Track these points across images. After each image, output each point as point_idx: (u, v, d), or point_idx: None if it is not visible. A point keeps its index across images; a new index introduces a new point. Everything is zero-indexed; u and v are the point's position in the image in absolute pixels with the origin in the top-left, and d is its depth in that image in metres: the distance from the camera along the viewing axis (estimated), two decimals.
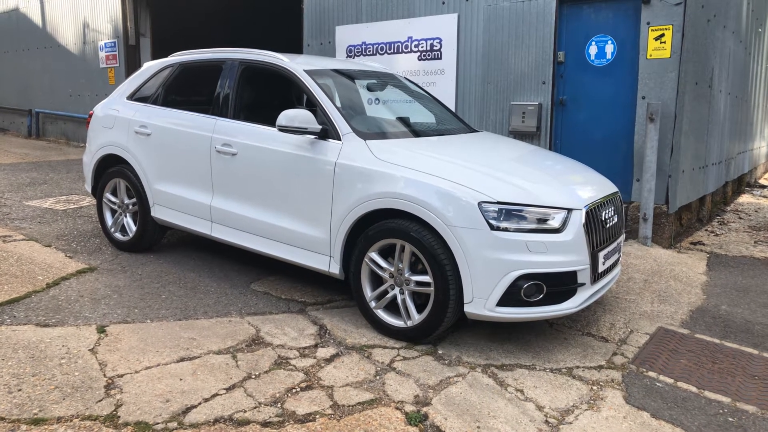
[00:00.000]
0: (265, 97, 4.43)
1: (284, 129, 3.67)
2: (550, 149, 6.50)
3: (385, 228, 3.44)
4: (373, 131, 3.91)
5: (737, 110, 9.32)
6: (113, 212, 5.04)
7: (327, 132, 3.74)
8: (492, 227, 3.14)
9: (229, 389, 2.85)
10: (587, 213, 3.33)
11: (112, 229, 5.02)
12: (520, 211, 3.20)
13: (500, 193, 3.21)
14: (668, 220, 5.97)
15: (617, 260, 3.82)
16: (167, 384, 2.85)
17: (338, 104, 4.08)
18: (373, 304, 3.58)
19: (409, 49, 7.46)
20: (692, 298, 4.47)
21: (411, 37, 7.44)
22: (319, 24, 8.35)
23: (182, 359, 3.12)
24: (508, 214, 3.18)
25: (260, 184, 3.99)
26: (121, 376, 2.92)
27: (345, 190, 3.57)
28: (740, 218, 8.22)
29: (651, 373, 3.22)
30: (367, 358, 3.26)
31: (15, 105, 14.47)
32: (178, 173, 4.47)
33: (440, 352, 3.38)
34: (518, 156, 4.00)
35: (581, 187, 3.57)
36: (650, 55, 5.86)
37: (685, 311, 4.18)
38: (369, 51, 7.83)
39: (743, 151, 10.48)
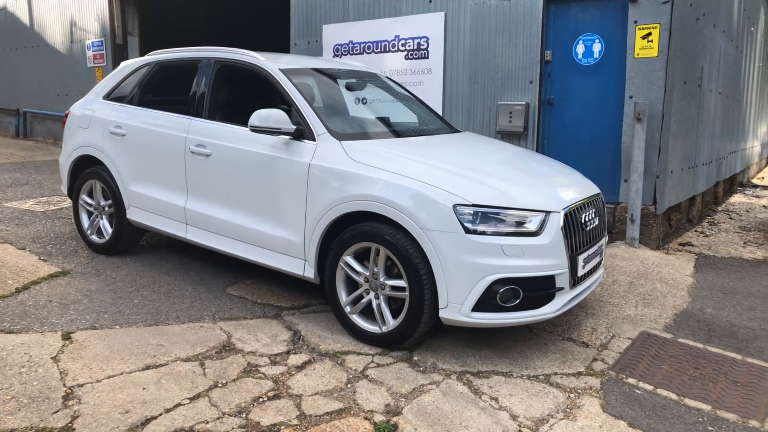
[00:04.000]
0: (241, 97, 4.34)
1: (257, 129, 3.58)
2: (537, 149, 6.42)
3: (359, 231, 3.35)
4: (349, 132, 3.82)
5: (729, 109, 9.25)
6: (89, 214, 4.94)
7: (301, 132, 3.65)
8: (467, 230, 3.05)
9: (193, 399, 2.76)
10: (566, 215, 3.25)
11: (89, 232, 4.92)
12: (497, 214, 3.11)
13: (476, 196, 3.12)
14: (656, 221, 5.89)
15: (599, 263, 3.74)
16: (129, 394, 2.76)
17: (320, 104, 4.00)
18: (348, 309, 3.49)
19: (396, 48, 7.37)
20: (677, 301, 4.39)
21: (398, 36, 7.35)
22: (306, 23, 8.26)
23: (148, 367, 3.03)
24: (484, 216, 3.10)
25: (234, 186, 3.89)
26: (82, 385, 2.82)
27: (319, 193, 3.48)
28: (731, 218, 8.16)
29: (631, 380, 3.14)
30: (340, 365, 3.18)
31: (2, 105, 14.34)
32: (152, 175, 4.37)
33: (416, 358, 3.29)
34: (498, 157, 3.91)
35: (561, 189, 3.48)
36: (637, 54, 5.78)
37: (670, 315, 4.10)
38: (356, 50, 7.73)
39: (735, 150, 10.42)
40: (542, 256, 3.12)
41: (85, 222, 4.94)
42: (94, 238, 4.89)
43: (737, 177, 11.21)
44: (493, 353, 3.38)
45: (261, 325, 3.64)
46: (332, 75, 4.51)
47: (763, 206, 9.35)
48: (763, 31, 12.74)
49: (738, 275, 5.14)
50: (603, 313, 4.03)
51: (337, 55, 7.93)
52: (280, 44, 8.75)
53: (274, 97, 3.93)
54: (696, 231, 7.15)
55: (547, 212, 3.18)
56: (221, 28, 13.94)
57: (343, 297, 3.50)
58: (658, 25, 5.65)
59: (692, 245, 6.30)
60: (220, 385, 2.89)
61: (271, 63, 3.96)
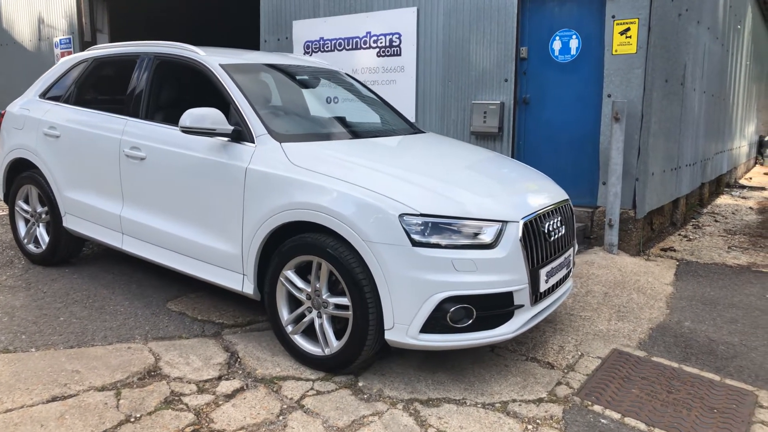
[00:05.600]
0: (181, 95, 4.01)
1: (189, 130, 3.25)
2: (512, 151, 6.13)
3: (300, 243, 3.03)
4: (294, 133, 3.50)
5: (714, 109, 9.00)
6: (26, 222, 4.60)
7: (240, 134, 3.32)
8: (414, 243, 2.74)
9: None
10: (526, 225, 2.94)
11: (25, 241, 4.57)
12: (448, 224, 2.80)
13: (424, 204, 2.81)
14: (636, 226, 5.61)
15: (567, 275, 3.44)
16: None
17: (266, 103, 3.67)
18: (289, 328, 3.17)
19: (367, 45, 7.05)
20: (654, 313, 4.10)
21: (370, 32, 7.03)
22: (276, 19, 7.92)
23: (54, 399, 2.70)
24: (434, 227, 2.79)
25: (170, 193, 3.56)
26: None
27: (256, 200, 3.15)
28: (716, 221, 7.90)
29: (596, 407, 2.83)
30: (275, 393, 2.86)
31: None
32: (88, 180, 4.03)
33: (361, 384, 2.97)
34: (457, 160, 3.60)
35: (522, 196, 3.17)
36: (616, 51, 5.49)
37: (645, 329, 3.81)
38: (327, 47, 7.41)
39: (721, 150, 10.17)
40: (498, 270, 2.81)
41: (22, 230, 4.60)
42: (31, 247, 4.55)
43: (724, 178, 10.97)
44: (448, 377, 3.07)
45: (196, 346, 3.32)
46: (286, 72, 4.18)
47: (750, 208, 9.11)
48: (751, 28, 12.51)
49: (720, 283, 4.86)
50: (573, 329, 3.73)
51: (308, 53, 7.60)
52: (258, 39, 8.38)
53: (216, 95, 3.60)
54: (680, 235, 6.87)
55: (504, 222, 2.88)
56: (199, 24, 13.56)
57: (285, 315, 3.18)
58: (636, 21, 5.36)
59: (675, 250, 6.02)
60: (132, 419, 2.57)
61: (211, 58, 3.64)
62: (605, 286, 4.56)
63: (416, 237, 2.75)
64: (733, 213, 8.59)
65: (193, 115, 3.23)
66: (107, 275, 4.39)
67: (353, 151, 3.36)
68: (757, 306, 4.32)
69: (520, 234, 2.88)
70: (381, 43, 6.93)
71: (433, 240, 2.76)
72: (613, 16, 5.46)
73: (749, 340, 3.69)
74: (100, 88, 4.28)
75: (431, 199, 2.85)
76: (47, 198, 4.30)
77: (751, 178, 13.68)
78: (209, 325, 3.62)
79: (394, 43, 6.83)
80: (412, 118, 6.75)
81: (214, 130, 3.24)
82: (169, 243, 3.61)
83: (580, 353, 3.41)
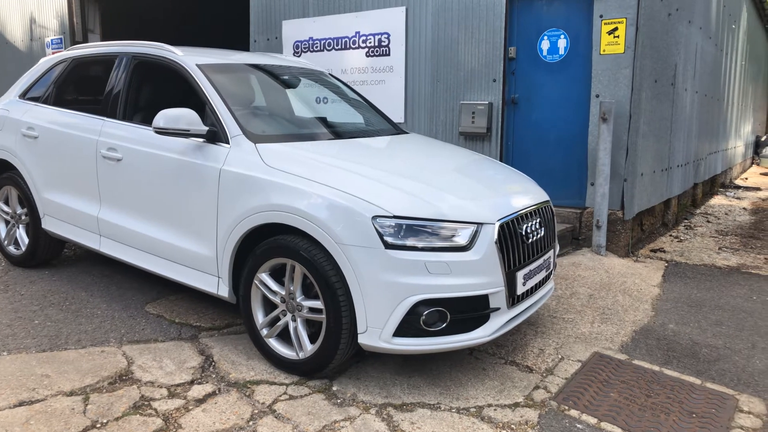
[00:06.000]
0: (159, 96, 3.96)
1: (163, 131, 3.21)
2: (501, 151, 6.09)
3: (274, 246, 2.99)
4: (270, 133, 3.45)
5: (707, 109, 8.95)
6: (6, 223, 4.56)
7: (215, 134, 3.28)
8: (387, 245, 2.70)
9: None
10: (502, 227, 2.90)
11: (5, 242, 4.53)
12: (421, 226, 2.76)
13: (398, 206, 2.77)
14: (624, 227, 5.57)
15: (547, 277, 3.40)
16: None
17: (246, 103, 3.64)
18: (264, 332, 3.13)
19: (356, 45, 7.01)
20: (639, 315, 4.06)
21: (359, 32, 6.99)
22: (265, 19, 7.88)
23: (21, 403, 2.66)
24: (408, 229, 2.75)
25: (146, 194, 3.52)
26: None
27: (230, 202, 3.11)
28: (709, 222, 7.86)
29: (573, 412, 2.79)
30: (247, 398, 2.82)
31: None
32: (66, 181, 3.99)
33: (335, 388, 2.93)
34: (436, 161, 3.56)
35: (500, 197, 3.13)
36: (603, 51, 5.46)
37: (628, 332, 3.77)
38: (316, 47, 7.37)
39: (715, 151, 10.13)
40: (473, 273, 2.77)
41: (2, 232, 4.56)
42: (11, 249, 4.51)
43: (718, 178, 10.93)
44: (424, 381, 3.03)
45: (171, 349, 3.28)
46: (268, 72, 4.13)
47: (744, 208, 9.07)
48: (746, 28, 12.47)
49: (707, 285, 4.82)
50: (554, 332, 3.69)
51: (297, 53, 7.56)
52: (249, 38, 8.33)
53: (194, 95, 3.56)
54: (671, 236, 6.84)
55: (479, 224, 2.84)
56: (194, 24, 13.51)
57: (260, 318, 3.14)
58: (624, 20, 5.32)
59: (664, 251, 5.98)
60: (98, 425, 2.53)
61: (188, 58, 3.59)
62: (591, 287, 4.52)
63: (389, 239, 2.71)
64: (726, 214, 8.56)
65: (167, 116, 3.19)
66: (87, 277, 4.35)
67: (330, 152, 3.32)
68: (744, 308, 4.28)
69: (496, 236, 2.84)
70: (370, 43, 6.89)
71: (407, 242, 2.72)
72: (601, 16, 5.42)
73: (733, 343, 3.65)
74: (78, 88, 4.24)
75: (405, 201, 2.81)
76: (26, 199, 4.26)
77: (746, 179, 13.64)
78: (186, 328, 3.58)
79: (383, 43, 6.79)
80: (401, 118, 6.71)
81: (188, 130, 3.20)
82: (146, 245, 3.57)
83: (560, 356, 3.37)
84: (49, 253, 4.43)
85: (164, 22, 12.98)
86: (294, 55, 7.57)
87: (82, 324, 3.55)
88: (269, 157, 3.11)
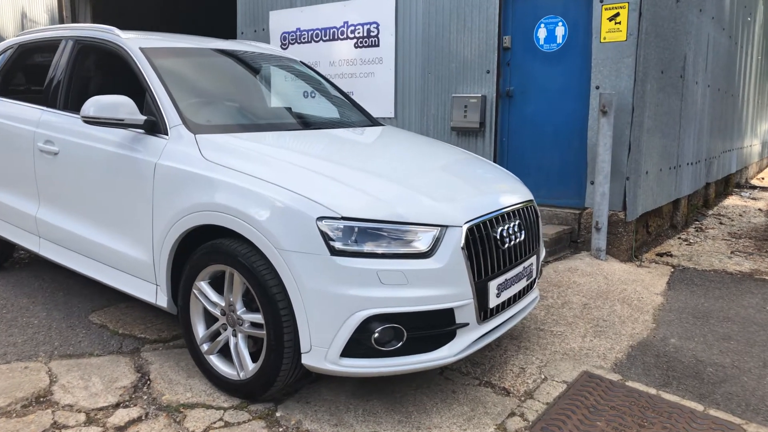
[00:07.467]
0: (104, 84, 3.62)
1: (93, 121, 2.85)
2: (495, 148, 5.68)
3: (212, 251, 2.63)
4: (215, 124, 3.08)
5: (721, 104, 8.46)
6: None
7: (154, 125, 2.93)
8: (333, 251, 2.32)
9: None
10: (471, 230, 2.51)
11: None
12: (375, 229, 2.38)
13: (348, 206, 2.39)
14: (626, 229, 5.14)
15: (529, 286, 3.00)
16: None
17: (197, 91, 3.28)
18: (205, 347, 2.77)
19: (345, 36, 6.64)
20: (637, 328, 3.64)
21: (347, 22, 6.62)
22: (252, 9, 7.54)
23: None
24: (360, 233, 2.37)
25: (83, 192, 3.18)
26: None
27: (165, 200, 2.75)
28: (721, 223, 7.38)
29: None
30: (177, 424, 2.45)
31: None
32: (4, 177, 3.66)
33: (278, 414, 2.56)
34: (405, 155, 3.17)
35: (471, 196, 2.74)
36: (604, 38, 5.03)
37: (624, 347, 3.36)
38: (304, 38, 7.01)
39: (730, 149, 9.62)
40: (435, 283, 2.39)
41: None
42: None
43: (733, 177, 10.40)
44: (383, 406, 2.64)
45: (105, 365, 2.92)
46: (232, 58, 3.77)
47: (759, 209, 8.56)
48: (763, 22, 11.91)
49: (716, 293, 4.39)
50: (539, 347, 3.29)
51: (285, 44, 7.21)
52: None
53: (137, 82, 3.21)
54: (679, 238, 6.38)
55: (443, 227, 2.45)
56: (190, 18, 13.21)
57: (200, 332, 2.78)
58: (626, 5, 4.89)
59: (671, 255, 5.54)
60: None
61: (132, 41, 3.24)
62: (586, 296, 4.11)
63: (336, 244, 2.33)
64: (740, 215, 8.06)
65: (98, 103, 2.83)
66: (35, 282, 4.03)
67: (281, 143, 2.95)
68: (755, 320, 3.84)
69: (463, 240, 2.46)
70: (359, 33, 6.51)
71: (357, 248, 2.35)
72: (602, 1, 5.00)
73: (742, 361, 3.23)
74: (24, 76, 3.92)
75: (356, 200, 2.43)
76: None
77: (763, 179, 13.07)
78: (130, 339, 3.23)
79: (372, 33, 6.41)
80: (390, 113, 6.33)
81: (123, 120, 2.85)
82: (84, 248, 3.22)
83: (543, 377, 2.97)
84: None
85: (156, 15, 12.68)
86: (281, 47, 7.23)
87: (13, 335, 3.22)
88: (208, 149, 2.74)
